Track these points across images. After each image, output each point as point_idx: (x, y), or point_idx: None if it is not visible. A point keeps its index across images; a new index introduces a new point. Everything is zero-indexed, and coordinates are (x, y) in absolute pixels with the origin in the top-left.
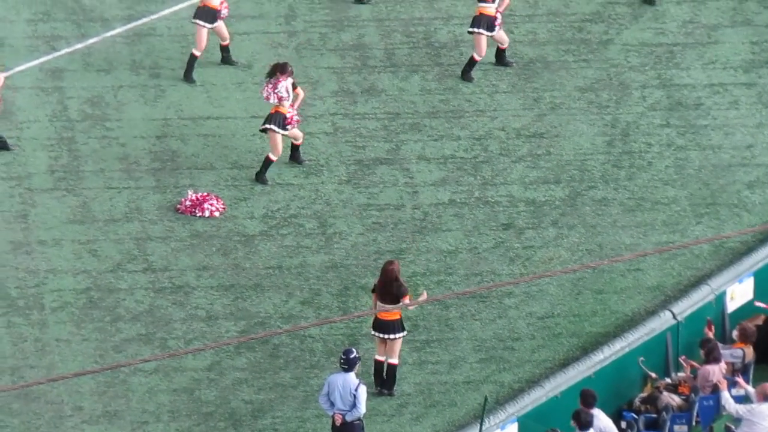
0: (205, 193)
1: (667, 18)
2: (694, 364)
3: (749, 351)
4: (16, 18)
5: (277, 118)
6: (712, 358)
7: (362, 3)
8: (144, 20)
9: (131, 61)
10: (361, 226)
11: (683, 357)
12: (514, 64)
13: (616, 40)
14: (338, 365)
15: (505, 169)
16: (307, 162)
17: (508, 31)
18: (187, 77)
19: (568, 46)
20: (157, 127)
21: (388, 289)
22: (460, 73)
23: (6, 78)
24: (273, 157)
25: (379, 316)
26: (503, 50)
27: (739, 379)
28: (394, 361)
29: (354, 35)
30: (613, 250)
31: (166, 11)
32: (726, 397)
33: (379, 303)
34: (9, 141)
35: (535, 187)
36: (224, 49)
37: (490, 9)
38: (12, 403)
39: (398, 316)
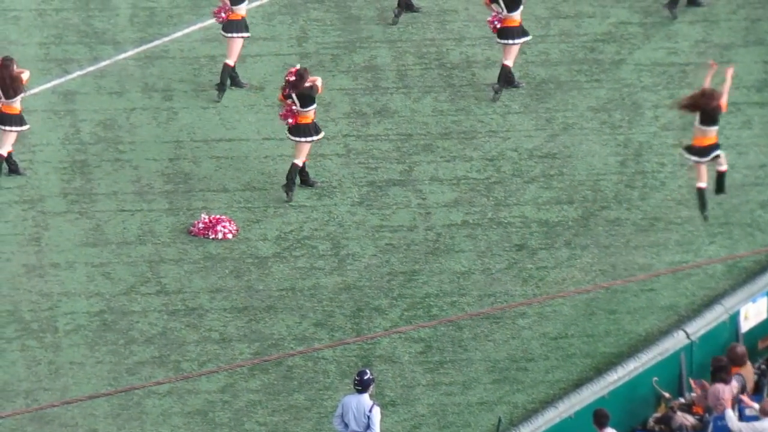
0: (218, 216)
1: (680, 37)
2: (706, 384)
3: (747, 371)
4: (29, 41)
5: (307, 129)
6: (719, 377)
7: (416, 11)
8: (156, 42)
9: (143, 84)
10: (374, 247)
11: (693, 380)
12: (524, 85)
13: (628, 60)
14: (352, 387)
15: (518, 190)
16: (319, 184)
17: (521, 52)
18: (222, 88)
19: (580, 66)
20: (170, 150)
21: (709, 110)
22: (492, 90)
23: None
24: (299, 163)
25: (696, 144)
26: (509, 68)
27: (744, 397)
28: (723, 167)
29: (366, 56)
30: (627, 270)
31: (179, 33)
32: (729, 416)
33: (699, 126)
34: (21, 164)
35: (548, 207)
36: (231, 69)
37: (516, 18)
38: (26, 427)
39: (716, 140)
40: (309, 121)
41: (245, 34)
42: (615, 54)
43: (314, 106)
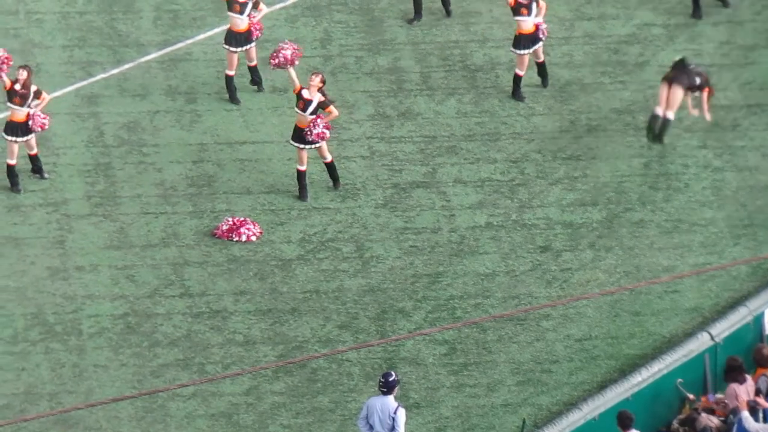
0: (242, 218)
1: (704, 39)
2: (720, 398)
3: None
4: (52, 44)
5: (295, 133)
6: (733, 377)
7: (449, 16)
8: (179, 45)
9: (167, 86)
10: (398, 249)
11: (705, 398)
12: (548, 85)
13: (652, 61)
14: (377, 389)
15: (542, 192)
16: (343, 186)
17: (545, 54)
18: (232, 98)
19: (604, 68)
20: (194, 152)
21: None
22: (510, 94)
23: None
24: (300, 168)
25: None
26: (542, 63)
27: (759, 399)
28: None
29: (390, 59)
30: (651, 272)
31: (202, 36)
32: (745, 417)
33: None
34: (45, 167)
35: (572, 209)
36: (252, 71)
37: (526, 24)
38: (50, 429)
39: None
40: (301, 125)
41: (231, 48)
42: (639, 56)
43: (300, 113)
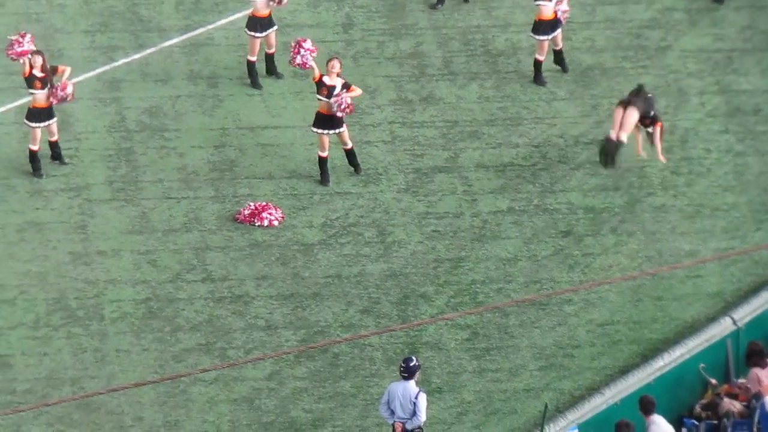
0: (264, 203)
1: (726, 24)
2: (741, 385)
3: None
4: (74, 29)
5: (317, 120)
6: (754, 362)
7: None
8: (201, 30)
9: (189, 71)
10: (420, 234)
11: (714, 381)
12: (569, 70)
13: (674, 46)
14: (398, 374)
15: (564, 177)
16: (365, 171)
17: (566, 38)
18: (254, 83)
19: (625, 52)
20: (216, 137)
21: None
22: (531, 79)
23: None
24: (322, 154)
25: None
26: (560, 51)
27: None
28: None
29: (411, 43)
30: (673, 257)
31: (224, 21)
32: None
33: None
34: (67, 152)
35: (594, 194)
36: (269, 59)
37: (547, 10)
38: (72, 414)
39: None
40: (323, 111)
41: (253, 34)
42: (661, 40)
43: (324, 99)
